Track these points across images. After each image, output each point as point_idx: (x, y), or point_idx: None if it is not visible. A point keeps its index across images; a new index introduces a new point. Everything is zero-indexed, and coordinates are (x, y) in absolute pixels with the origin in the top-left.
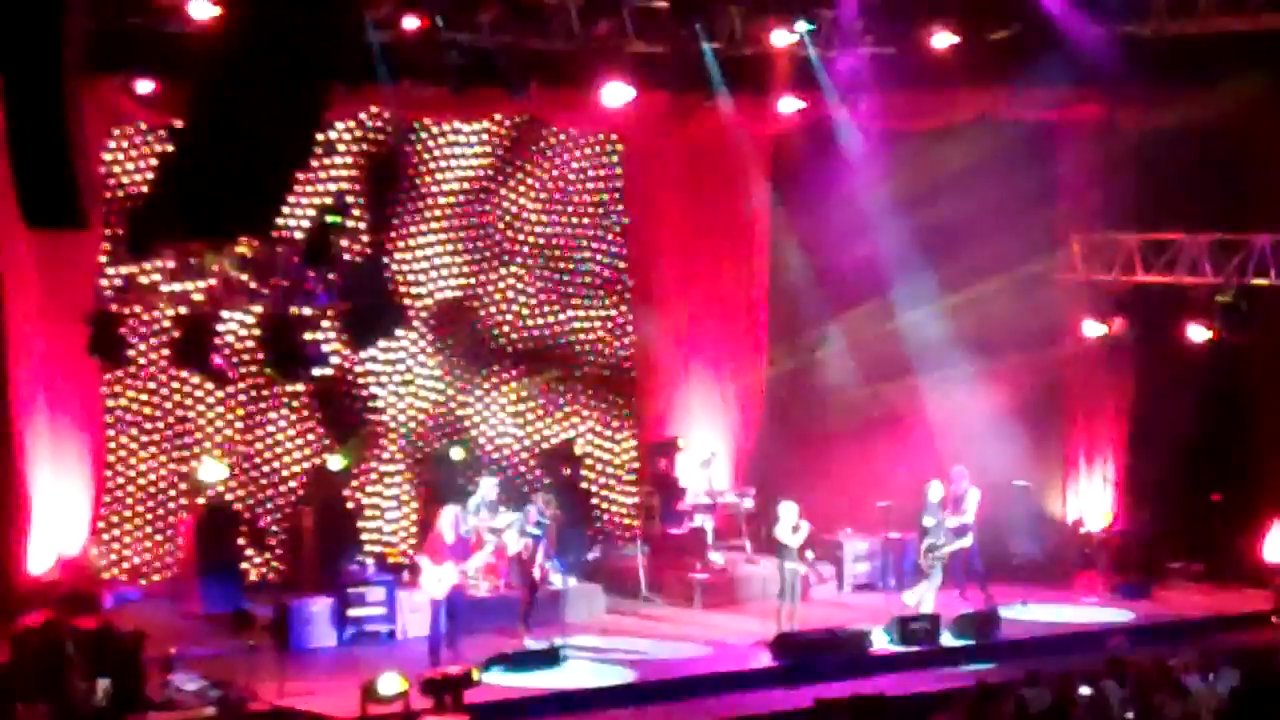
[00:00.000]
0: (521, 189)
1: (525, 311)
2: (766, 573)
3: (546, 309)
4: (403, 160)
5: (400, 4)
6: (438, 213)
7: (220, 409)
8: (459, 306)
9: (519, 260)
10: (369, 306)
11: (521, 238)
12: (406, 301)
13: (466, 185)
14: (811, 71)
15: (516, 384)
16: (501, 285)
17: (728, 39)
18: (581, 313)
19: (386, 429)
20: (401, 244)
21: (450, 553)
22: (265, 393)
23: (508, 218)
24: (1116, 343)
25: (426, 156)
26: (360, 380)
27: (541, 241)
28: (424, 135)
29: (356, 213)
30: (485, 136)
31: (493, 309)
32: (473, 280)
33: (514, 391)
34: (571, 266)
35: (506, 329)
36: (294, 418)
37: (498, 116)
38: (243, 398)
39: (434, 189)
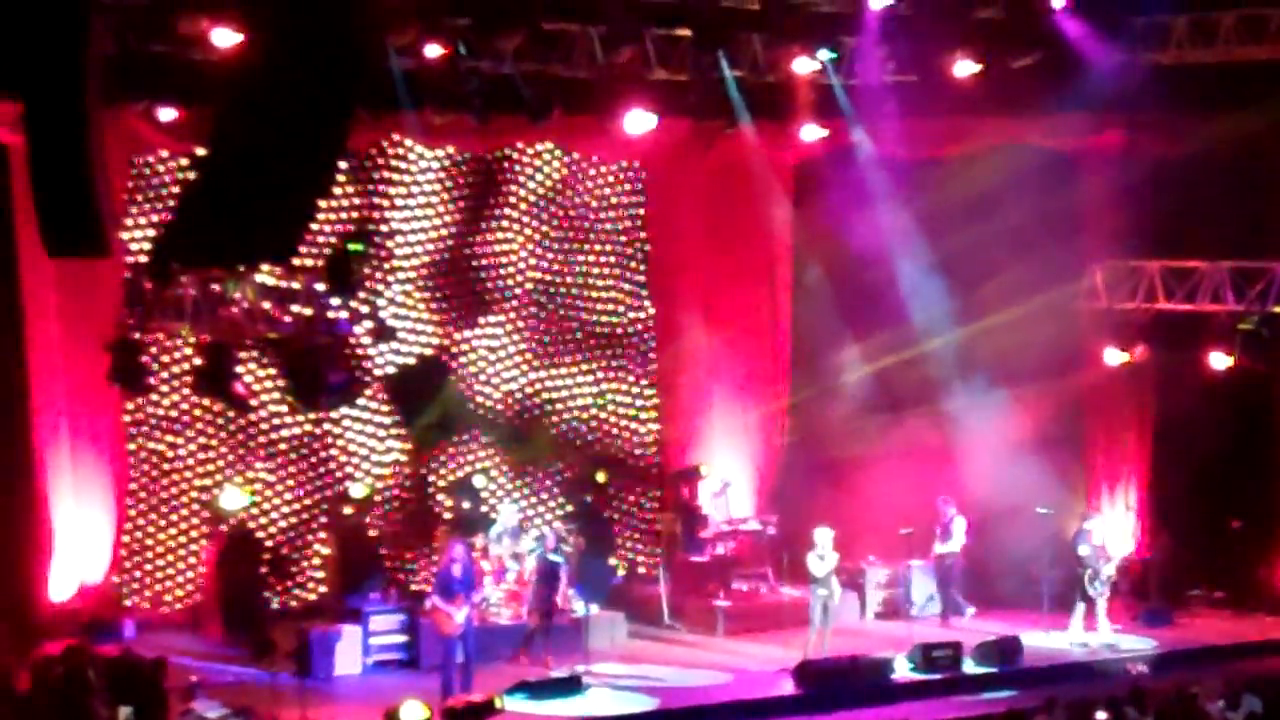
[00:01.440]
0: (544, 216)
1: (547, 338)
2: (788, 600)
3: (564, 342)
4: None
5: (423, 31)
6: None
7: (241, 436)
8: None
9: (538, 289)
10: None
11: (545, 265)
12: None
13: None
14: (833, 99)
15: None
16: (518, 316)
17: (750, 67)
18: (605, 342)
19: (411, 455)
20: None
21: (459, 586)
22: (287, 420)
23: (530, 245)
24: (1138, 370)
25: (439, 187)
26: (385, 408)
27: (564, 269)
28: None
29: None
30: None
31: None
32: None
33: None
34: (594, 295)
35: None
36: (315, 445)
37: (520, 143)
38: (265, 426)
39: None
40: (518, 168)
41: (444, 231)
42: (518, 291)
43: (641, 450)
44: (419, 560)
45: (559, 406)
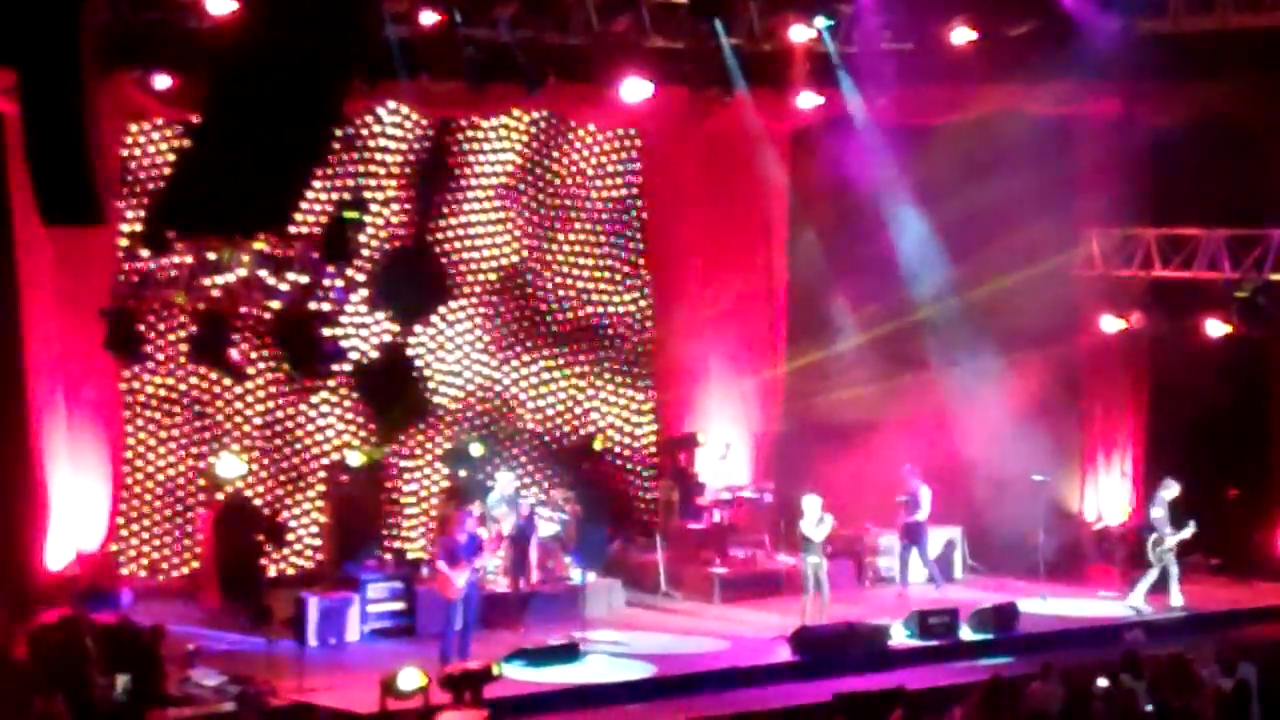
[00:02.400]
0: (541, 184)
1: (542, 305)
2: (784, 567)
3: (566, 308)
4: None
5: None
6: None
7: (239, 404)
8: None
9: (534, 256)
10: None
11: (541, 233)
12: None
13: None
14: (830, 67)
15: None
16: (513, 285)
17: (747, 34)
18: (601, 309)
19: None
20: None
21: (463, 551)
22: (284, 388)
23: (525, 214)
24: (1134, 338)
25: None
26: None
27: (560, 237)
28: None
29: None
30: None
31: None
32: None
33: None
34: (590, 263)
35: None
36: (313, 413)
37: (516, 111)
38: (261, 394)
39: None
40: (513, 136)
41: (435, 199)
42: (514, 260)
43: (638, 418)
44: (417, 528)
45: (555, 375)
